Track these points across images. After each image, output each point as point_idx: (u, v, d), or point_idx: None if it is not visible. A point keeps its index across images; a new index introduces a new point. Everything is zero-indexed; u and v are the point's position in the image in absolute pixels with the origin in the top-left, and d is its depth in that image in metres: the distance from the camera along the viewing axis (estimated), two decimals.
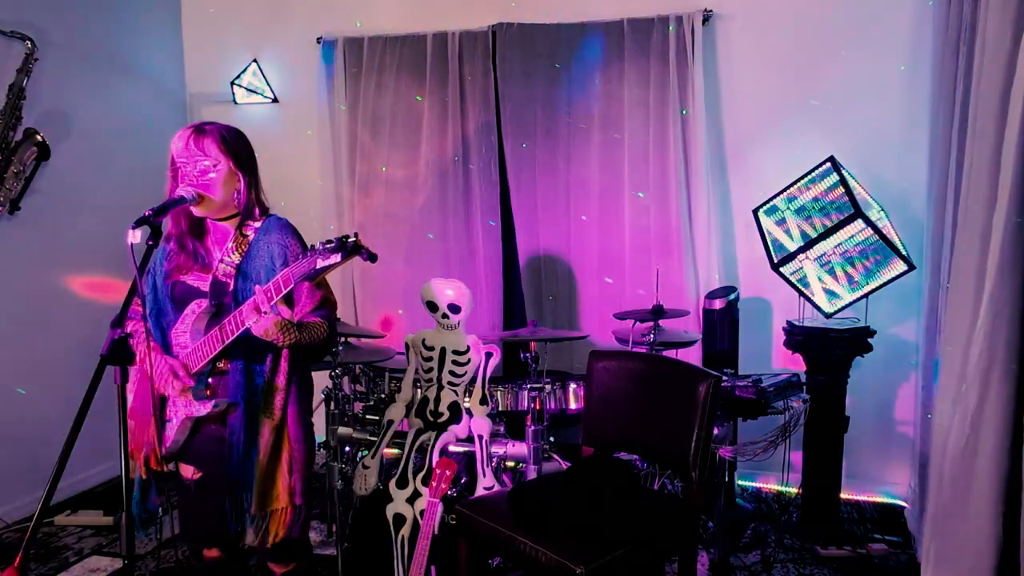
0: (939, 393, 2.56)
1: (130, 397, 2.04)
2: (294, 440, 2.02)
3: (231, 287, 1.98)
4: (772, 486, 3.71)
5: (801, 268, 3.02)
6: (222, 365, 1.99)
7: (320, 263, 1.68)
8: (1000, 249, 2.22)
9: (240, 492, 1.99)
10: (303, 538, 2.14)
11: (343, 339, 3.26)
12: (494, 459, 2.78)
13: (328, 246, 1.68)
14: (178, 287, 2.02)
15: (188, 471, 2.10)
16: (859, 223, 2.82)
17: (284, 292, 1.75)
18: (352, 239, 1.66)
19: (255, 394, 1.98)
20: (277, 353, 1.99)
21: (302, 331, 1.91)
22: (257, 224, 2.04)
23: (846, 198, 2.87)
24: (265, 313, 1.77)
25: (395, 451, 2.79)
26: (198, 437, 2.04)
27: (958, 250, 2.47)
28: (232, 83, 4.23)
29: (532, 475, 2.98)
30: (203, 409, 1.97)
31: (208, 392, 1.97)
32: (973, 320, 2.33)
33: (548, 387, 3.11)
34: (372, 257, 1.69)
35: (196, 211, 1.97)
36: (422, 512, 2.54)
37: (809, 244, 2.93)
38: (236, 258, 2.00)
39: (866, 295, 3.01)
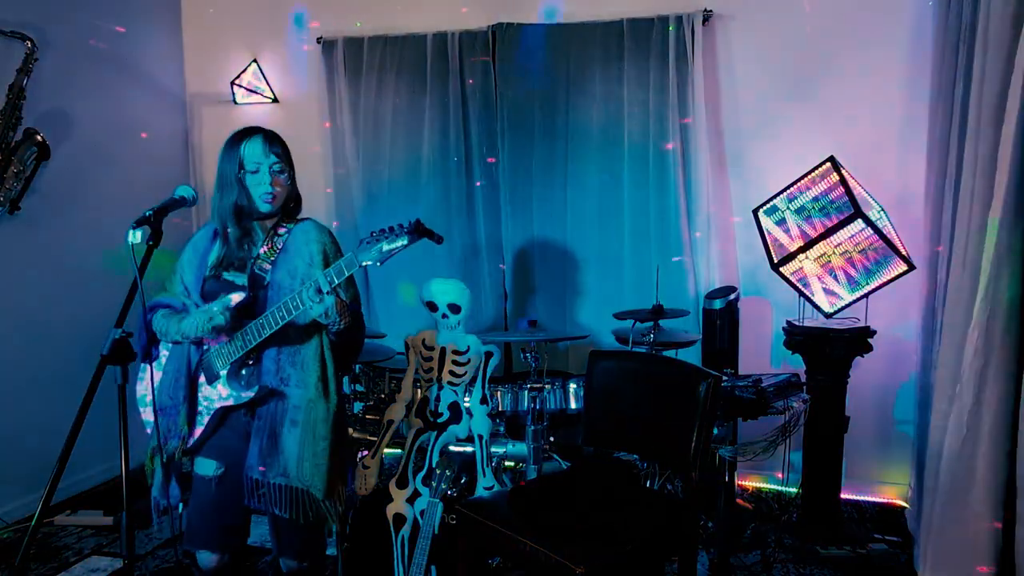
0: (936, 392, 2.56)
1: (147, 389, 2.09)
2: (345, 423, 2.17)
3: (266, 281, 2.04)
4: (772, 486, 3.71)
5: (801, 268, 3.02)
6: (253, 361, 2.05)
7: (386, 247, 1.78)
8: (995, 248, 2.22)
9: (279, 479, 2.00)
10: (322, 536, 2.16)
11: None
12: (494, 459, 2.78)
13: (394, 231, 1.79)
14: (209, 282, 2.06)
15: (210, 468, 2.10)
16: (859, 223, 2.82)
17: (346, 275, 1.85)
18: (416, 222, 1.78)
19: (288, 382, 2.03)
20: (319, 344, 2.06)
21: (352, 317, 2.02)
22: (290, 225, 2.13)
23: (846, 198, 2.87)
24: (328, 294, 1.85)
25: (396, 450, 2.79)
26: (225, 431, 2.08)
27: (955, 249, 2.47)
28: (232, 83, 4.23)
29: (532, 475, 2.99)
30: (242, 397, 2.02)
31: (244, 383, 2.03)
32: (967, 319, 2.33)
33: (548, 387, 3.11)
34: (439, 239, 1.82)
35: (265, 209, 2.05)
36: (422, 512, 2.54)
37: (809, 244, 2.93)
38: (272, 255, 2.07)
39: (866, 295, 3.01)
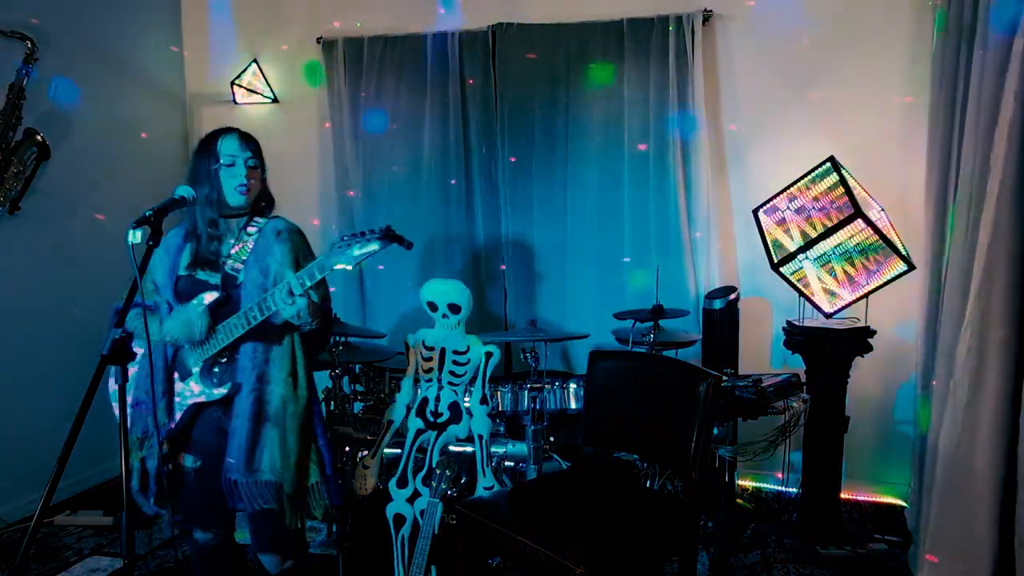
0: (934, 392, 2.56)
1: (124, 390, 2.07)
2: (317, 417, 2.15)
3: (238, 280, 2.06)
4: (772, 486, 3.71)
5: (801, 268, 3.02)
6: (225, 359, 2.06)
7: (358, 251, 1.80)
8: (988, 247, 2.22)
9: (258, 475, 2.01)
10: (300, 532, 2.16)
11: (343, 339, 3.26)
12: (494, 459, 2.78)
13: (365, 236, 1.80)
14: (183, 281, 2.08)
15: (188, 461, 2.13)
16: (859, 223, 2.82)
17: (319, 278, 1.87)
18: (387, 228, 1.80)
19: (261, 379, 2.04)
20: (290, 341, 2.08)
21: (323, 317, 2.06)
22: (261, 223, 2.13)
23: (846, 198, 2.87)
24: (300, 296, 1.89)
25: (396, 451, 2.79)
26: (198, 426, 2.10)
27: (952, 248, 2.47)
28: (232, 83, 4.22)
29: (532, 475, 2.99)
30: (214, 394, 2.04)
31: (216, 381, 2.05)
32: (961, 319, 2.33)
33: (548, 387, 3.11)
34: (409, 244, 1.83)
35: (237, 201, 2.07)
36: (422, 512, 2.54)
37: (809, 244, 2.93)
38: (243, 255, 2.08)
39: (866, 295, 3.01)
